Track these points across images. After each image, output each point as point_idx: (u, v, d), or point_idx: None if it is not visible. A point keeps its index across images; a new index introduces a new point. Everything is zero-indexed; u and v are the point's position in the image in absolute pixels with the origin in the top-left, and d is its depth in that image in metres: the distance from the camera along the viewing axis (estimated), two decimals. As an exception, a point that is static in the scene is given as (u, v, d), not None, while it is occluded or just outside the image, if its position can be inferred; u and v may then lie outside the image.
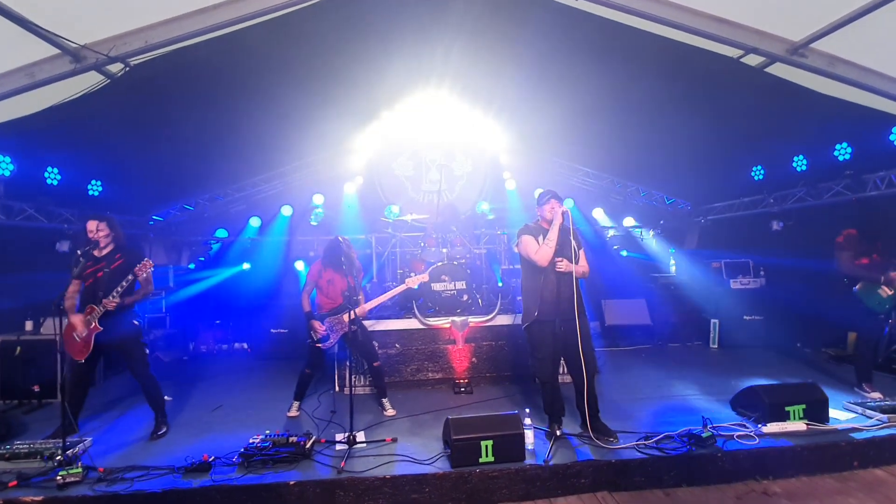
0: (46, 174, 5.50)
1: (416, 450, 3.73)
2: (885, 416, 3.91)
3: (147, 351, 4.31)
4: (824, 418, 3.94)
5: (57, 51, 3.85)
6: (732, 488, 3.42)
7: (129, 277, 3.96)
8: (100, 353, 4.13)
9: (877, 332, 4.78)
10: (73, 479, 3.27)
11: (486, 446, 3.43)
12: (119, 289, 3.93)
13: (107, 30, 3.91)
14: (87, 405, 4.32)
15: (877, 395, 4.57)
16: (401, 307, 6.22)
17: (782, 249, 7.02)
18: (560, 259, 3.83)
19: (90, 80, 4.27)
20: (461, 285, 5.92)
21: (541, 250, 3.85)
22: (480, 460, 3.42)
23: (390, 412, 4.65)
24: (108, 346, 4.13)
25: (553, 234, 3.83)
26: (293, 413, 4.71)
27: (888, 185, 5.50)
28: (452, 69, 5.72)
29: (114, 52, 3.97)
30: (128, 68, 4.25)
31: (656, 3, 3.99)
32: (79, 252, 4.04)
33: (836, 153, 5.77)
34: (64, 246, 5.92)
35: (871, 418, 3.96)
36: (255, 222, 8.46)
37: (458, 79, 6.03)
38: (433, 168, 8.85)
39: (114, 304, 3.93)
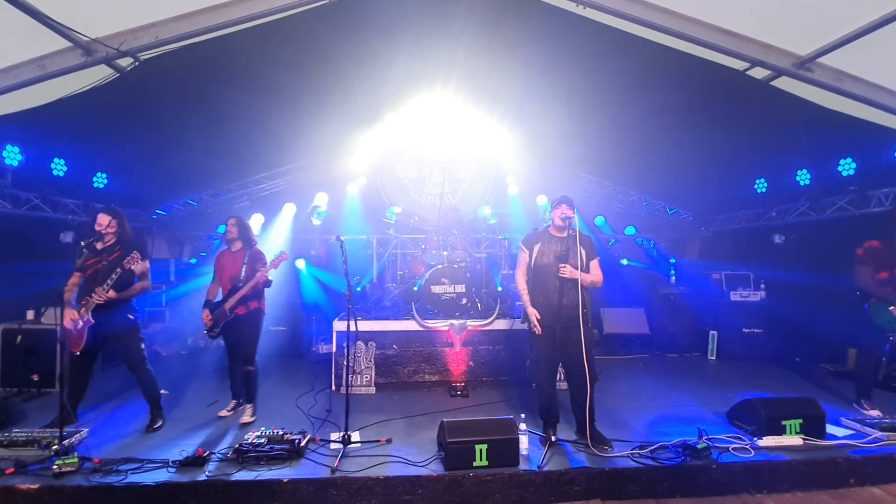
0: (53, 165, 5.53)
1: (410, 451, 3.73)
2: (884, 433, 3.88)
3: (143, 346, 4.32)
4: (821, 433, 3.93)
5: (69, 44, 3.89)
6: (726, 501, 3.41)
7: (118, 270, 3.98)
8: (97, 345, 4.14)
9: (879, 348, 4.75)
10: (68, 468, 3.30)
11: (481, 450, 3.43)
12: (109, 281, 3.95)
13: (118, 24, 3.95)
14: (85, 396, 4.34)
15: (876, 412, 4.54)
16: (400, 308, 6.23)
17: (784, 263, 7.00)
18: (563, 265, 3.83)
19: (100, 74, 4.30)
20: (461, 288, 5.93)
21: (518, 273, 4.14)
22: (474, 464, 3.42)
23: (246, 419, 4.38)
24: (104, 339, 4.15)
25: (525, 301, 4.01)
26: (224, 413, 4.56)
27: (892, 201, 5.48)
28: (457, 72, 5.73)
29: (124, 47, 4.00)
30: (137, 63, 4.28)
31: (662, 13, 4.00)
32: (82, 243, 4.07)
33: (840, 168, 5.76)
34: (67, 237, 5.95)
35: (870, 435, 3.92)
36: (258, 219, 8.48)
37: (462, 81, 6.03)
38: (436, 170, 8.86)
39: (105, 297, 3.94)
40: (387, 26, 4.71)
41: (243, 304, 4.41)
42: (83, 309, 3.99)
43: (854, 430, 4.09)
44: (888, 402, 4.94)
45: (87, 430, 3.95)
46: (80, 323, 3.98)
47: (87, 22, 3.76)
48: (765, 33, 4.12)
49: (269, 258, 4.53)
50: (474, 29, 4.78)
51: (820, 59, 4.16)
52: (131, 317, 4.22)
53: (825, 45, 3.97)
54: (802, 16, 3.78)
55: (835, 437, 3.94)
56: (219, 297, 4.60)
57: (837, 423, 4.20)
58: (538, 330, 3.88)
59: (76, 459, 3.36)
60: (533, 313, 3.91)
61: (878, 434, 3.89)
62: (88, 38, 3.89)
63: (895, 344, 4.68)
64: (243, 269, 4.45)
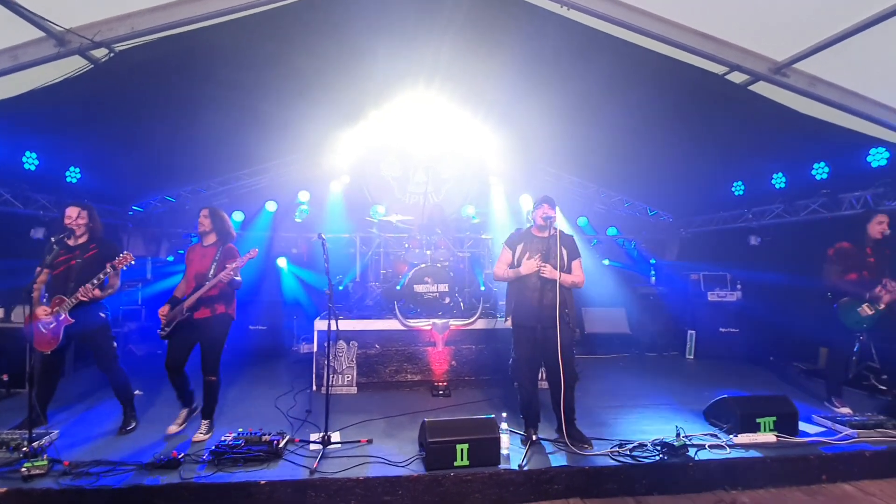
0: (24, 159, 5.36)
1: (391, 451, 3.71)
2: (855, 431, 3.99)
3: (115, 344, 4.20)
4: (794, 431, 4.03)
5: (42, 34, 3.78)
6: (702, 498, 3.47)
7: (107, 269, 3.88)
8: (68, 344, 4.03)
9: (848, 348, 4.88)
10: (37, 471, 3.22)
11: (462, 450, 3.43)
12: (96, 280, 3.85)
13: (93, 14, 3.84)
14: (56, 396, 4.22)
15: (846, 410, 4.66)
16: (382, 307, 6.20)
17: (759, 264, 7.16)
18: (544, 265, 3.86)
19: (74, 65, 4.18)
20: (443, 288, 5.92)
21: (497, 268, 4.20)
22: (455, 464, 3.42)
23: (199, 437, 3.94)
24: (74, 338, 4.05)
25: (521, 271, 3.98)
26: (173, 427, 4.03)
27: (863, 204, 5.65)
28: (442, 71, 5.72)
29: (99, 37, 3.89)
30: (112, 54, 4.17)
31: (644, 16, 4.05)
32: (52, 240, 3.95)
33: (813, 172, 5.91)
34: (39, 233, 5.80)
35: (841, 433, 4.04)
36: (237, 217, 8.34)
37: (446, 80, 6.03)
38: (420, 170, 8.84)
39: (91, 296, 3.84)
40: (370, 23, 4.67)
41: (208, 305, 4.01)
42: (57, 307, 3.87)
43: (825, 427, 4.20)
44: (858, 399, 5.08)
45: (57, 431, 3.85)
46: (54, 322, 3.87)
47: (61, 11, 3.66)
48: (743, 38, 4.20)
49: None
50: (459, 27, 4.77)
51: (795, 65, 4.25)
52: (102, 315, 4.10)
53: (800, 52, 4.06)
54: (779, 22, 3.86)
55: (807, 435, 4.04)
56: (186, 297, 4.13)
57: (810, 421, 4.30)
58: (539, 263, 3.88)
59: (46, 462, 3.27)
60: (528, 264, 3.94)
61: (849, 431, 4.01)
62: (62, 28, 3.78)
63: (864, 343, 4.81)
64: (212, 267, 4.03)
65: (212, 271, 4.03)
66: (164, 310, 4.04)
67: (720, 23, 4.07)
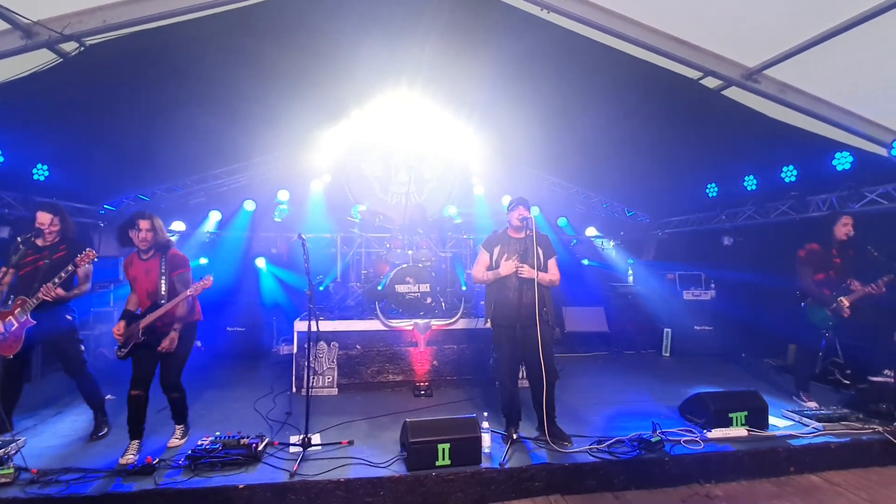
0: (-12, 156, 5.16)
1: (372, 452, 3.70)
2: (821, 424, 4.16)
3: (82, 348, 4.04)
4: (764, 425, 4.17)
5: (7, 26, 3.63)
6: (677, 492, 3.55)
7: (70, 268, 3.76)
8: (32, 348, 3.90)
9: (815, 345, 5.05)
10: (4, 479, 3.12)
11: (443, 449, 3.44)
12: (57, 279, 3.73)
13: (62, 6, 3.71)
14: (22, 402, 4.07)
15: (813, 403, 4.84)
16: (363, 308, 6.17)
17: (732, 264, 7.38)
18: (522, 265, 3.90)
19: (42, 59, 4.04)
20: (425, 288, 5.92)
21: (475, 270, 4.21)
22: (437, 463, 3.43)
23: (174, 442, 3.86)
24: (39, 342, 3.91)
25: (500, 272, 4.00)
26: (129, 457, 3.52)
27: (829, 206, 5.86)
28: (425, 71, 5.73)
29: (68, 30, 3.77)
30: (83, 48, 4.03)
31: (621, 20, 4.12)
32: (18, 239, 3.81)
33: (783, 175, 6.10)
34: (4, 232, 5.59)
35: (808, 426, 4.20)
36: (214, 216, 8.18)
37: (430, 81, 6.04)
38: (403, 169, 8.83)
39: (54, 294, 3.71)
40: (354, 21, 4.65)
41: (169, 321, 3.72)
42: (19, 309, 3.74)
43: (794, 420, 4.36)
44: (824, 393, 5.27)
45: (24, 438, 3.73)
46: (16, 324, 3.73)
47: (29, 3, 3.52)
48: (717, 44, 4.31)
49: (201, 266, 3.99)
50: (442, 29, 4.78)
51: (766, 72, 4.38)
52: (69, 317, 3.98)
53: (770, 58, 4.19)
54: (750, 28, 3.97)
55: (776, 428, 4.19)
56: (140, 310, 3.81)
57: (779, 415, 4.45)
58: (517, 264, 3.93)
59: (12, 470, 3.17)
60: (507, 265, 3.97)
61: (816, 424, 4.17)
62: (29, 21, 3.64)
63: (830, 340, 4.99)
64: (162, 282, 3.70)
65: (163, 288, 3.71)
66: (119, 328, 3.66)
67: (694, 28, 4.17)
